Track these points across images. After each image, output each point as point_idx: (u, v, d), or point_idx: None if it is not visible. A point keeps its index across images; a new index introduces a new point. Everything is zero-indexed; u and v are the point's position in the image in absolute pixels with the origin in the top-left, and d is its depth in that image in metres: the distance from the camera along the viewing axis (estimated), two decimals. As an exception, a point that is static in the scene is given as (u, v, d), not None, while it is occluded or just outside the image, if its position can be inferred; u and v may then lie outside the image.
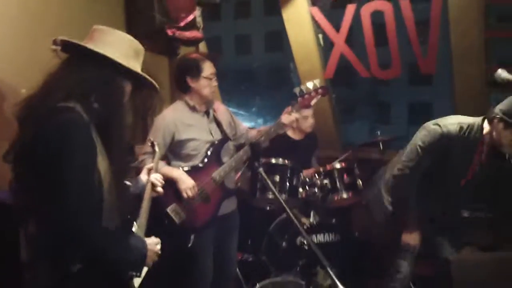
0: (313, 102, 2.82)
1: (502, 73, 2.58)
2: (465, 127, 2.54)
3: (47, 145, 1.48)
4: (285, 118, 2.82)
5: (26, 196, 1.57)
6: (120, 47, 1.69)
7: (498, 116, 2.41)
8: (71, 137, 1.49)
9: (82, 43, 1.64)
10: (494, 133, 2.46)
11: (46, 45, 1.70)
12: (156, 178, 2.20)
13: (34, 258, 1.61)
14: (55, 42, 1.65)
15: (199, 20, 3.67)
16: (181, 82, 2.80)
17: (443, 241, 2.76)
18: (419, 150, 2.59)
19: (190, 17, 3.39)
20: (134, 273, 1.73)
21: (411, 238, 2.70)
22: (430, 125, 2.61)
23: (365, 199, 3.13)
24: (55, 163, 1.47)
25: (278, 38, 21.86)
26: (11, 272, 2.22)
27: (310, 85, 2.78)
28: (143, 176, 2.18)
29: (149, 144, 2.56)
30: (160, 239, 1.88)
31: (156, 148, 2.48)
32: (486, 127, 2.51)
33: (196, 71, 2.75)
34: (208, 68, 2.77)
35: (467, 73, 3.95)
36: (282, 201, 1.94)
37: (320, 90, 2.80)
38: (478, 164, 2.58)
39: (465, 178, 2.61)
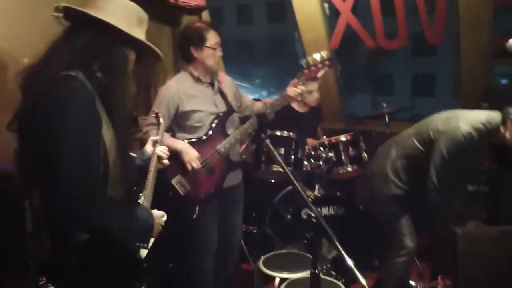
0: (319, 74, 2.76)
1: None
2: (483, 130, 2.48)
3: (48, 114, 1.45)
4: (291, 90, 2.78)
5: (30, 166, 1.55)
6: (122, 14, 1.63)
7: (511, 116, 2.38)
8: (71, 106, 1.45)
9: (84, 10, 1.59)
10: (507, 134, 2.43)
11: (46, 13, 1.65)
12: (162, 150, 2.17)
13: (38, 229, 1.60)
14: (57, 9, 1.60)
15: (201, -13, 3.57)
16: (185, 52, 2.74)
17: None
18: (446, 159, 2.52)
19: (193, -15, 3.30)
20: (141, 244, 1.72)
21: None
22: (451, 131, 2.52)
23: (369, 172, 3.11)
24: (56, 132, 1.43)
25: (280, 8, 21.53)
26: (16, 242, 2.23)
27: (317, 56, 2.72)
28: (149, 148, 2.16)
29: (153, 115, 2.53)
30: (165, 211, 1.87)
31: (161, 120, 2.45)
32: (501, 128, 2.48)
33: (199, 41, 2.69)
34: (212, 38, 2.71)
35: (473, 43, 3.88)
36: (289, 173, 1.90)
37: (327, 62, 2.74)
38: (487, 166, 2.56)
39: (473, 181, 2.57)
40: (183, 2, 3.25)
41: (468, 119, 2.53)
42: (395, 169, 2.81)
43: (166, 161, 2.18)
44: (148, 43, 1.69)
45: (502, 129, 2.47)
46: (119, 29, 1.58)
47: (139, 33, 1.68)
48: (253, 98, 3.26)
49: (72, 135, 1.43)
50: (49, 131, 1.44)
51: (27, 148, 1.54)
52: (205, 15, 4.15)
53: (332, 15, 4.39)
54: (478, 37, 3.82)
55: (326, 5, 4.28)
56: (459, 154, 2.51)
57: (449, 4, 3.85)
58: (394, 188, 2.80)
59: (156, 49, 1.72)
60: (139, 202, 1.89)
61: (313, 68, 2.74)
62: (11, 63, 2.68)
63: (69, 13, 1.60)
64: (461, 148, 2.50)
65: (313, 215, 1.73)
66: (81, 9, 1.59)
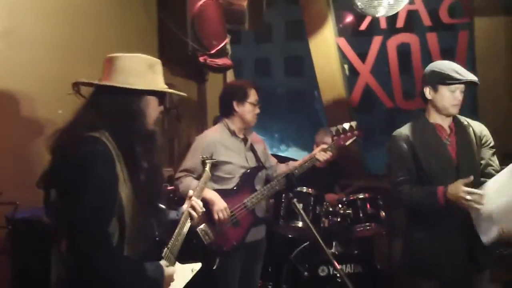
0: (348, 142, 2.91)
1: None
2: (413, 122, 2.64)
3: (70, 174, 1.56)
4: (320, 155, 2.88)
5: (55, 219, 1.65)
6: (132, 69, 1.74)
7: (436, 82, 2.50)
8: (91, 167, 1.56)
9: (96, 81, 1.73)
10: (439, 103, 2.52)
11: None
12: (195, 204, 2.13)
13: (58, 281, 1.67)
14: (73, 86, 1.73)
15: (228, 47, 3.74)
16: (227, 106, 2.90)
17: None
18: (393, 162, 2.59)
19: (222, 45, 3.46)
20: None
21: (455, 190, 2.29)
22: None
23: None
24: (76, 190, 1.54)
25: (299, 63, 22.04)
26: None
27: (346, 125, 2.89)
28: (185, 206, 2.15)
29: (200, 161, 2.60)
30: (186, 258, 1.90)
31: (207, 167, 2.51)
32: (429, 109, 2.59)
33: (242, 96, 2.87)
34: (253, 95, 2.89)
35: (492, 106, 3.95)
36: (314, 231, 1.96)
37: (356, 132, 2.91)
38: (453, 143, 2.53)
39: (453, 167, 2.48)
40: (211, 61, 3.41)
41: None
42: None
43: (195, 214, 2.13)
44: (162, 89, 1.78)
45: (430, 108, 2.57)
46: (131, 89, 1.69)
47: (153, 77, 1.77)
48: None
49: (89, 194, 1.53)
50: (70, 189, 1.55)
51: (53, 204, 1.63)
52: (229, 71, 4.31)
53: (350, 73, 4.54)
54: (495, 100, 3.90)
55: (346, 66, 4.44)
56: (398, 152, 2.56)
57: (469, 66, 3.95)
58: None
59: (173, 90, 1.82)
60: (161, 256, 1.91)
61: (342, 136, 2.89)
62: (47, 114, 2.82)
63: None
64: (396, 146, 2.59)
65: (337, 273, 1.76)
66: (92, 81, 1.73)
